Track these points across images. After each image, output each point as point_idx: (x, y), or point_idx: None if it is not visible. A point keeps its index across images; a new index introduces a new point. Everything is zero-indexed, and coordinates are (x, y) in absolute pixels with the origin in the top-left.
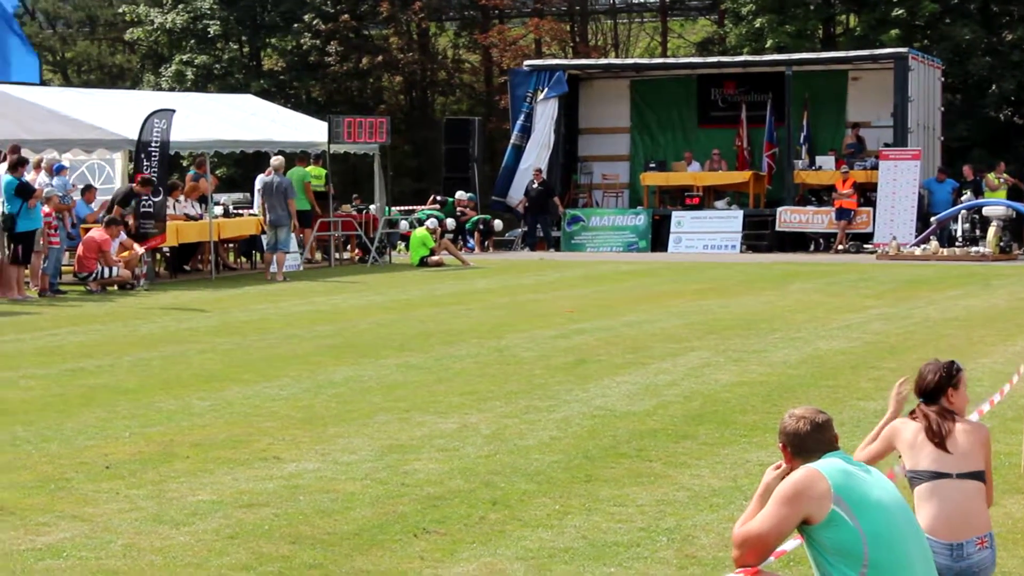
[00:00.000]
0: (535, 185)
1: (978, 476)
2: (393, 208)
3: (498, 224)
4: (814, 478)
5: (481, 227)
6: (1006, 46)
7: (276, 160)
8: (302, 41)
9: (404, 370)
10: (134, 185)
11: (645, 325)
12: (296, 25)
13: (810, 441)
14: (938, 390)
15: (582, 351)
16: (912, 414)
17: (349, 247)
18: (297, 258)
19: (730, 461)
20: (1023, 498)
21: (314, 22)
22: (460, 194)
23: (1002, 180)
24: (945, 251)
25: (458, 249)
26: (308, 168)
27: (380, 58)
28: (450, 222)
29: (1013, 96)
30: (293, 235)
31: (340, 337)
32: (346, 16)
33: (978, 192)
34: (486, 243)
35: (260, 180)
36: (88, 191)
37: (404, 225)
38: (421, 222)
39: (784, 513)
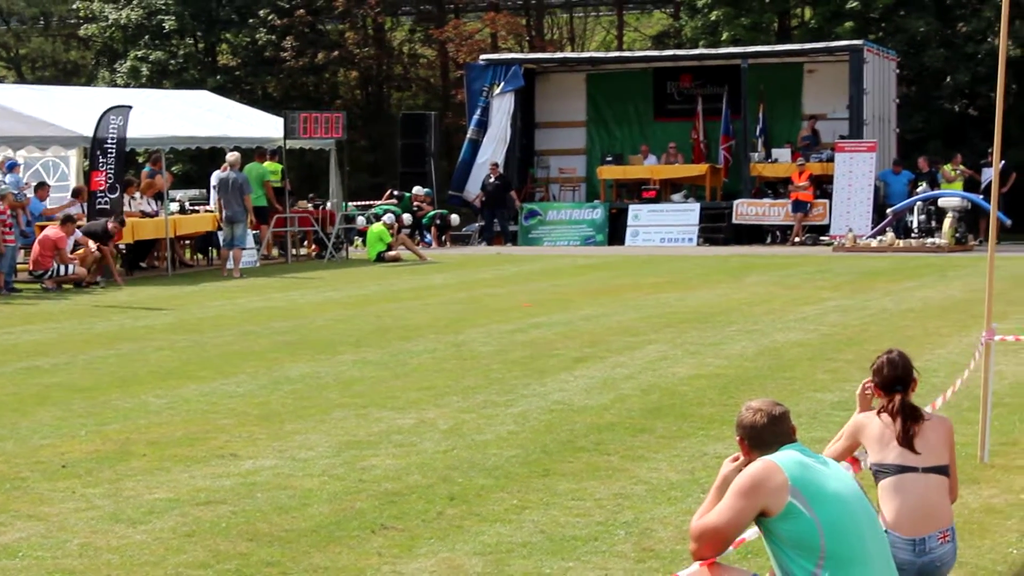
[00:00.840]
0: (492, 179)
1: (943, 470)
2: (349, 203)
3: (455, 219)
4: (771, 470)
5: (438, 222)
6: (961, 38)
7: (232, 156)
8: (257, 36)
9: (361, 366)
10: (109, 224)
11: (602, 319)
12: (251, 20)
13: (767, 433)
14: (907, 377)
15: (539, 345)
16: (879, 410)
17: (306, 243)
18: (254, 254)
19: (688, 454)
20: (979, 488)
21: (269, 17)
22: (417, 189)
23: (958, 172)
24: (901, 243)
25: (415, 244)
26: (265, 164)
27: (336, 53)
28: (407, 217)
29: (968, 88)
30: (249, 231)
31: (297, 333)
32: (301, 11)
33: (933, 184)
34: (443, 238)
35: (216, 176)
36: (41, 188)
37: (361, 220)
38: (378, 217)
39: (741, 506)
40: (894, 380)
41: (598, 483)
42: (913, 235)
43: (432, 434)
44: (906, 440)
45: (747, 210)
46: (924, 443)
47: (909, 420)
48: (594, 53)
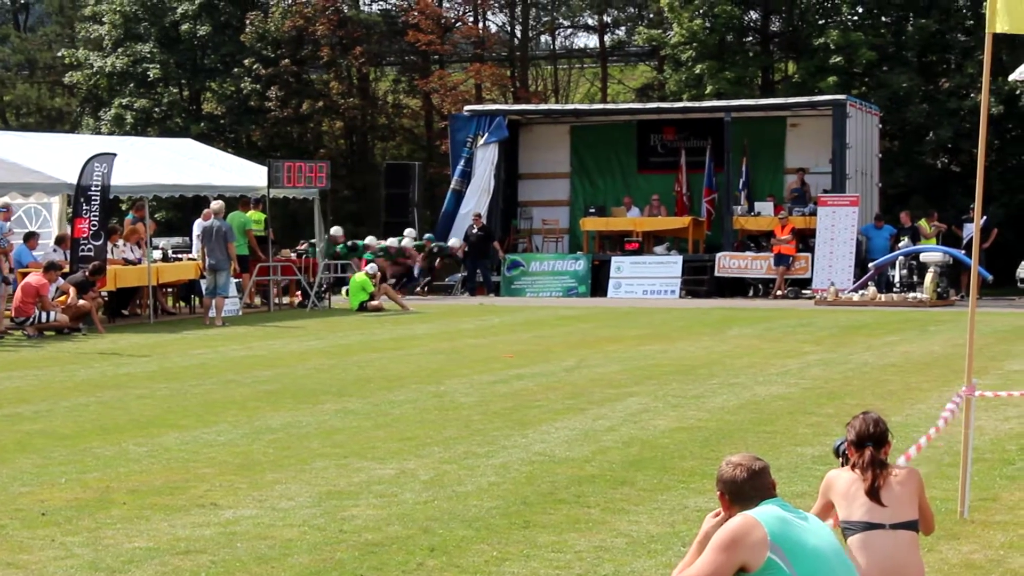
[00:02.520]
0: (475, 230)
1: (911, 525)
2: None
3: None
4: (751, 526)
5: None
6: (943, 94)
7: (216, 204)
8: (242, 85)
9: (342, 416)
10: (87, 273)
11: (584, 370)
12: (236, 69)
13: (747, 488)
14: (879, 435)
15: (521, 396)
16: (852, 465)
17: (289, 291)
18: (236, 303)
19: (668, 507)
20: (959, 544)
21: (254, 66)
22: (409, 232)
23: (934, 228)
24: (883, 297)
25: (398, 292)
26: (249, 213)
27: (320, 103)
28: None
29: (950, 143)
30: (232, 280)
31: (278, 382)
32: (287, 61)
33: (916, 238)
34: (426, 282)
35: (199, 224)
36: (31, 238)
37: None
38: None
39: (721, 560)
40: (866, 436)
41: (578, 535)
42: (895, 289)
43: (413, 485)
44: (872, 491)
45: (729, 263)
46: (891, 496)
47: (876, 471)
48: (578, 105)
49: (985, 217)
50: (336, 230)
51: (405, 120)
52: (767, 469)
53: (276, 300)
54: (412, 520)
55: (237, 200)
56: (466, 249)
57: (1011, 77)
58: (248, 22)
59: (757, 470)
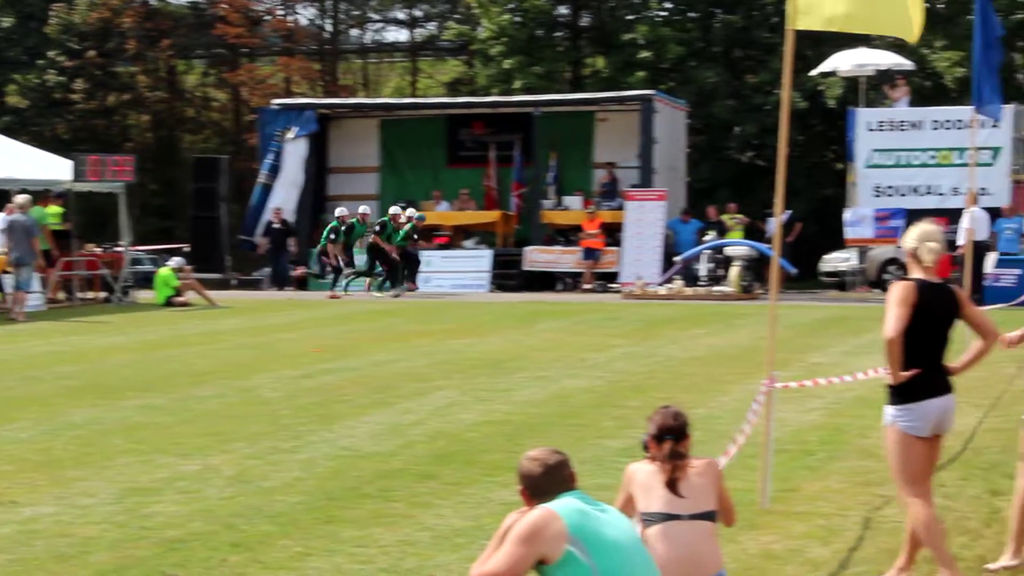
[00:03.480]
0: (275, 224)
1: (709, 516)
2: (139, 247)
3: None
4: (549, 518)
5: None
6: (748, 89)
7: (21, 198)
8: (47, 78)
9: (146, 411)
10: None
11: (392, 365)
12: (40, 61)
13: (545, 482)
14: (679, 428)
15: (328, 391)
16: (651, 458)
17: (93, 286)
18: (40, 298)
19: (473, 500)
20: (758, 534)
21: (59, 59)
22: (395, 209)
23: (736, 220)
24: (689, 290)
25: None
26: (47, 208)
27: (127, 95)
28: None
29: (755, 139)
30: (36, 274)
31: (81, 378)
32: (93, 53)
33: (722, 232)
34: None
35: (3, 219)
36: None
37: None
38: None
39: (520, 553)
40: (666, 430)
41: (383, 530)
42: (701, 283)
43: (217, 480)
44: (671, 483)
45: (538, 257)
46: (690, 488)
47: (674, 464)
48: (388, 99)
49: (789, 212)
50: (341, 210)
51: (213, 113)
52: (566, 462)
53: (81, 295)
54: (215, 516)
55: (40, 194)
56: (268, 244)
57: (812, 72)
58: (53, 14)
59: (554, 464)
